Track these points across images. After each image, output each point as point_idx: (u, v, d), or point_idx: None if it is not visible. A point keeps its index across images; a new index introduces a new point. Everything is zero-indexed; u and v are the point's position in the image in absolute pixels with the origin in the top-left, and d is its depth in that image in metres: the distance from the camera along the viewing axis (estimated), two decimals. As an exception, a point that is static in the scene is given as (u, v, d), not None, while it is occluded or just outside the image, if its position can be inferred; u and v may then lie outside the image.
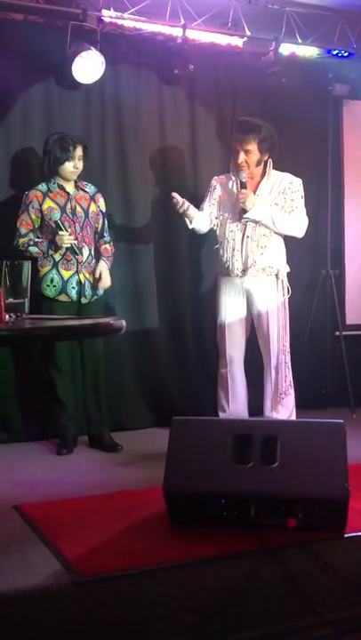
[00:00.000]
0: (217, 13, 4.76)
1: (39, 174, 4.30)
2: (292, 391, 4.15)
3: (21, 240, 4.09)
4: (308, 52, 5.09)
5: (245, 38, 4.89)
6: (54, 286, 4.08)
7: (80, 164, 4.14)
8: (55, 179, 4.15)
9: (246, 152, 3.99)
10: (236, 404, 4.18)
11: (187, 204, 4.03)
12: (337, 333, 5.40)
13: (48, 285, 4.09)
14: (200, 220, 4.14)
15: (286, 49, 4.96)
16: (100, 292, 4.25)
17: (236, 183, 4.06)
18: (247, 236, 4.03)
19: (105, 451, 4.23)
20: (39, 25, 4.55)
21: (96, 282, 4.17)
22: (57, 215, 4.06)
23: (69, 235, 4.03)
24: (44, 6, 4.43)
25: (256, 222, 4.02)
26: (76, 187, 4.20)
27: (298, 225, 4.12)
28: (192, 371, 5.08)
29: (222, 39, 4.91)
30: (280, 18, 4.88)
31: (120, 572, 2.40)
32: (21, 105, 4.51)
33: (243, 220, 4.02)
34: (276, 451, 2.73)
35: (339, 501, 2.62)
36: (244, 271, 4.05)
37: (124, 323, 2.03)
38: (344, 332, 5.40)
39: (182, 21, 4.66)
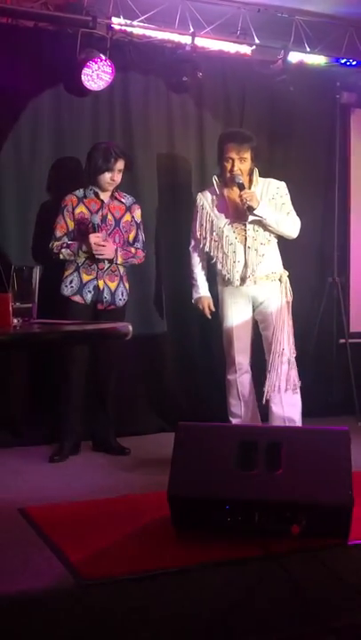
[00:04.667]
0: (226, 21, 4.79)
1: (46, 180, 4.35)
2: (298, 390, 4.17)
3: (56, 243, 4.18)
4: (317, 60, 5.11)
5: (254, 46, 4.91)
6: (71, 287, 4.16)
7: (118, 177, 4.19)
8: (93, 186, 4.21)
9: (241, 160, 4.07)
10: (248, 410, 4.22)
11: (208, 306, 4.32)
12: (342, 341, 5.40)
13: (66, 286, 4.17)
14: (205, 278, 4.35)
15: (295, 57, 4.98)
16: (121, 302, 4.25)
17: (230, 187, 4.10)
18: (248, 247, 4.10)
19: (113, 454, 4.25)
20: (49, 32, 4.58)
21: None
22: (96, 219, 4.11)
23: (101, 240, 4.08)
24: (54, 14, 4.47)
25: (262, 220, 4.05)
26: (112, 197, 4.25)
27: (295, 225, 4.19)
28: (199, 376, 5.09)
29: (231, 47, 4.93)
30: (289, 26, 4.91)
31: (124, 576, 2.41)
32: (31, 111, 4.54)
33: (250, 219, 4.05)
34: (281, 457, 2.74)
35: (343, 508, 2.63)
36: (243, 280, 4.11)
37: (130, 328, 2.04)
38: (350, 340, 5.40)
39: (191, 29, 4.69)
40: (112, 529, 2.88)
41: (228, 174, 4.08)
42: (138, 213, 4.34)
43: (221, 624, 2.41)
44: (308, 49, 5.00)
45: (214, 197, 4.20)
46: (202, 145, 5.07)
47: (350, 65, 5.15)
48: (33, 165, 4.56)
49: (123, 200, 4.30)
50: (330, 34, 5.04)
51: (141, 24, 4.62)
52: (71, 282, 4.16)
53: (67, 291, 4.15)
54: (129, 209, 4.30)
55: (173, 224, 4.98)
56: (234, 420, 4.21)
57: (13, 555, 2.60)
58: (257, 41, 4.86)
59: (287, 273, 4.23)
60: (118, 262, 4.20)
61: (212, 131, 5.08)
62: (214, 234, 4.16)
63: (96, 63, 4.43)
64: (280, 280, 4.17)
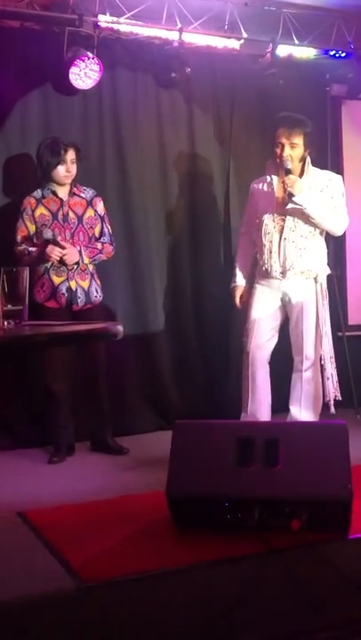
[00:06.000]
0: (213, 16, 4.77)
1: (35, 181, 4.31)
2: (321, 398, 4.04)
3: (18, 249, 4.09)
4: (306, 53, 5.09)
5: (242, 41, 4.90)
6: (44, 292, 4.08)
7: (73, 168, 4.11)
8: (49, 185, 4.14)
9: (292, 145, 3.90)
10: (255, 405, 4.04)
11: (240, 297, 4.15)
12: (340, 334, 5.38)
13: (38, 290, 4.08)
14: (245, 267, 4.20)
15: (283, 50, 4.96)
16: (97, 299, 4.20)
17: (280, 175, 3.94)
18: (284, 238, 3.91)
19: (111, 454, 4.23)
20: (36, 32, 4.56)
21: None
22: (49, 233, 4.03)
23: (61, 250, 3.99)
24: (40, 13, 4.44)
25: (302, 208, 3.85)
26: (71, 192, 4.17)
27: (340, 221, 4.00)
28: (195, 374, 5.08)
29: (219, 42, 4.92)
30: (277, 19, 4.88)
31: (125, 577, 2.40)
32: (19, 112, 4.52)
33: (289, 206, 3.87)
34: (279, 453, 2.73)
35: (342, 502, 2.62)
36: (283, 273, 3.93)
37: (120, 328, 2.02)
38: (347, 333, 5.39)
39: (179, 25, 4.67)
40: (112, 530, 2.87)
41: (278, 160, 3.91)
42: (100, 206, 4.24)
43: (223, 621, 2.40)
44: (296, 42, 4.98)
45: (262, 185, 4.07)
46: (192, 140, 5.05)
47: (340, 57, 5.13)
48: (22, 166, 4.52)
49: (82, 195, 4.20)
50: (318, 26, 5.02)
51: (128, 21, 4.60)
52: (42, 285, 4.07)
53: (39, 296, 4.07)
54: (90, 203, 4.20)
55: (165, 221, 4.96)
56: (244, 414, 4.07)
57: (13, 559, 2.58)
58: (245, 35, 4.84)
59: (328, 272, 4.05)
60: (85, 262, 4.12)
61: (202, 126, 5.08)
62: (257, 222, 4.03)
63: (83, 61, 4.41)
64: (315, 279, 3.96)
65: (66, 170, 4.08)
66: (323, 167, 5.30)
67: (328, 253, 5.24)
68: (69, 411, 4.24)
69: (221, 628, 2.40)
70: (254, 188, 4.14)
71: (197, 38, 4.83)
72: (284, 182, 3.86)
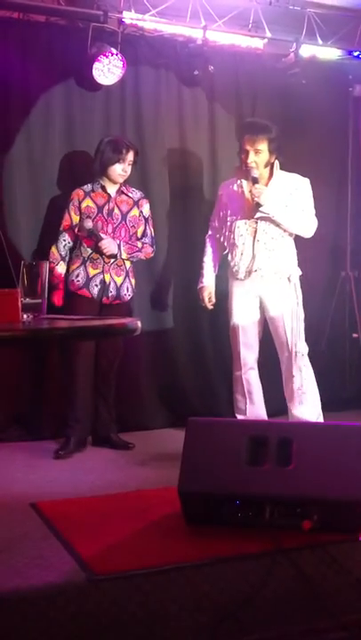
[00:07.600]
0: (238, 15, 4.78)
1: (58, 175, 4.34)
2: (314, 391, 4.12)
3: (60, 238, 4.20)
4: (329, 53, 5.09)
5: (266, 40, 4.91)
6: (78, 281, 4.15)
7: (129, 169, 4.19)
8: (102, 180, 4.20)
9: (256, 152, 3.99)
10: (254, 406, 4.17)
11: (209, 297, 4.28)
12: (355, 335, 5.37)
13: (73, 280, 4.17)
14: (214, 269, 4.31)
15: (307, 50, 4.96)
16: (127, 297, 4.25)
17: (249, 180, 4.03)
18: (257, 240, 4.03)
19: (115, 449, 4.26)
20: (60, 27, 4.58)
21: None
22: (89, 223, 4.09)
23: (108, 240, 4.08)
24: (65, 8, 4.47)
25: (270, 217, 3.98)
26: (119, 191, 4.23)
27: (308, 224, 4.10)
28: (208, 371, 5.08)
29: (243, 41, 4.94)
30: (301, 19, 4.89)
31: (135, 571, 2.41)
32: (42, 106, 4.54)
33: (257, 215, 3.98)
34: (292, 452, 2.72)
35: (354, 504, 2.62)
36: (249, 273, 4.05)
37: (139, 324, 2.03)
38: (362, 335, 5.37)
39: (203, 23, 4.68)
40: (123, 524, 2.88)
41: (244, 167, 4.02)
42: (146, 208, 4.31)
43: (232, 618, 2.41)
44: (320, 42, 4.98)
45: (233, 188, 4.15)
46: (213, 139, 5.05)
47: (363, 58, 5.13)
48: (44, 160, 4.56)
49: (130, 194, 4.27)
50: (342, 26, 5.02)
51: (153, 18, 4.62)
52: (77, 275, 4.16)
53: (74, 285, 4.16)
54: (137, 203, 4.27)
55: (184, 219, 4.97)
56: (239, 416, 4.18)
57: (25, 550, 2.60)
58: (269, 34, 4.86)
59: (300, 273, 4.14)
60: (123, 257, 4.17)
61: (224, 125, 5.07)
62: (228, 224, 4.12)
63: (107, 57, 4.43)
64: (289, 279, 4.07)
65: (123, 169, 4.15)
66: (344, 168, 5.34)
67: (346, 254, 5.33)
68: (86, 405, 4.25)
69: (229, 625, 2.41)
70: (223, 190, 4.23)
71: (221, 37, 4.85)
72: (251, 192, 3.95)
